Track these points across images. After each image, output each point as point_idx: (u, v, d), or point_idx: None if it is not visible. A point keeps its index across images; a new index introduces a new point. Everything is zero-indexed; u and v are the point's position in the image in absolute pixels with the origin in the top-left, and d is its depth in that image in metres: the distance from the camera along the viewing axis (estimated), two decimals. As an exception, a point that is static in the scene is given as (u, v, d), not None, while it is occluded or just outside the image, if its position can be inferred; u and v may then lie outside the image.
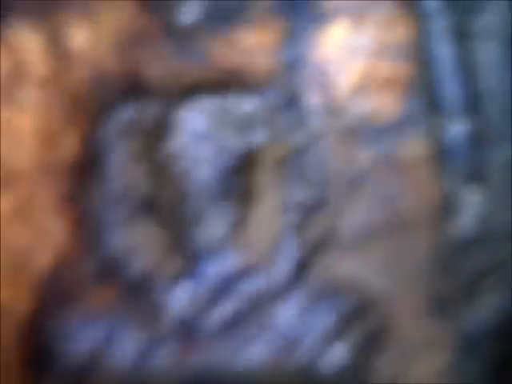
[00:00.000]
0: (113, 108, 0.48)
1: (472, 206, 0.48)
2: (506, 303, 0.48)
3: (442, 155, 0.48)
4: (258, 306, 0.48)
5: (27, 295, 0.49)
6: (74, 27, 0.48)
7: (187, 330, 0.47)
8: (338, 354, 0.47)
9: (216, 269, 0.48)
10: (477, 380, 0.48)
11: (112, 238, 0.48)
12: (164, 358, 0.47)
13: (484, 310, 0.48)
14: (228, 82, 0.48)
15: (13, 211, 0.49)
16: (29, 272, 0.49)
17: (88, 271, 0.48)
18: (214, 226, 0.48)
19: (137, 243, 0.48)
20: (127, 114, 0.48)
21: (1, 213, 0.49)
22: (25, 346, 0.48)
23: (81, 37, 0.48)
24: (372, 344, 0.48)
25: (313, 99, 0.48)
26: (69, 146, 0.49)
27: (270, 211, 0.48)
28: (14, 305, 0.48)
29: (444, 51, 0.48)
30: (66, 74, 0.49)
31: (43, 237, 0.49)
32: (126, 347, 0.47)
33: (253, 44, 0.48)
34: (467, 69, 0.48)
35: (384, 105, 0.48)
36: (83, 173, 0.49)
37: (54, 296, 0.48)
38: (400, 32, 0.48)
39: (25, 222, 0.49)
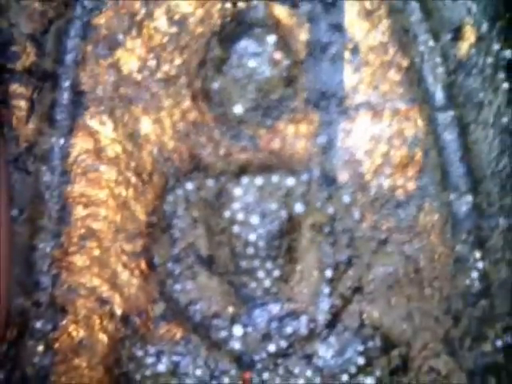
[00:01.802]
0: (175, 182, 0.56)
1: (477, 264, 0.55)
2: (507, 345, 0.55)
3: (451, 223, 0.55)
4: (299, 346, 0.55)
5: (103, 333, 0.56)
6: (141, 116, 0.56)
7: (242, 362, 0.54)
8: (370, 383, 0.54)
9: (264, 314, 0.55)
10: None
11: (176, 287, 0.56)
12: (225, 381, 0.54)
13: (488, 350, 0.54)
14: (272, 163, 0.55)
15: (90, 263, 0.56)
16: (105, 313, 0.56)
17: (157, 314, 0.55)
18: (261, 279, 0.55)
19: (198, 292, 0.55)
20: (188, 187, 0.56)
21: (79, 265, 0.56)
22: (104, 373, 0.55)
23: (147, 123, 0.56)
24: (395, 378, 0.54)
25: (343, 177, 0.56)
26: (139, 211, 0.56)
27: (309, 268, 0.55)
28: (93, 341, 0.56)
29: (450, 138, 0.55)
30: (134, 153, 0.56)
31: (116, 285, 0.56)
32: (194, 373, 0.54)
33: (292, 132, 0.55)
34: (470, 153, 0.55)
35: (402, 182, 0.56)
36: (152, 233, 0.56)
37: (128, 332, 0.55)
38: (414, 123, 0.55)
39: (100, 273, 0.56)
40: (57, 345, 0.56)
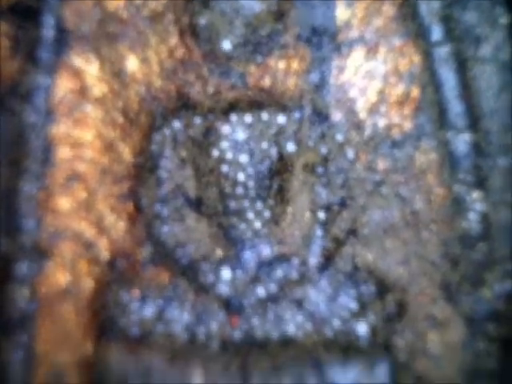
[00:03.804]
0: (163, 121, 0.54)
1: (476, 206, 0.53)
2: (507, 291, 0.53)
3: (449, 163, 0.53)
4: (289, 290, 0.53)
5: (88, 277, 0.55)
6: (127, 54, 0.55)
7: (231, 306, 0.53)
8: (361, 330, 0.52)
9: (254, 256, 0.54)
10: (482, 356, 0.52)
11: (164, 229, 0.54)
12: (213, 325, 0.53)
13: (487, 296, 0.53)
14: (263, 101, 0.54)
15: (76, 206, 0.55)
16: (90, 257, 0.55)
17: (144, 257, 0.54)
18: (251, 220, 0.54)
19: (186, 234, 0.54)
20: (176, 126, 0.54)
21: (64, 208, 0.55)
22: (90, 319, 0.54)
23: (134, 62, 0.55)
24: (390, 322, 0.52)
25: (336, 115, 0.54)
26: (125, 152, 0.55)
27: (301, 209, 0.54)
28: (79, 286, 0.54)
29: (447, 74, 0.53)
30: (120, 92, 0.55)
31: (102, 228, 0.55)
32: (180, 318, 0.53)
33: (283, 69, 0.54)
34: (469, 90, 0.53)
35: (398, 121, 0.54)
36: (139, 175, 0.55)
37: (113, 276, 0.54)
38: (410, 59, 0.54)
39: (86, 217, 0.55)
40: (41, 289, 0.54)
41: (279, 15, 0.53)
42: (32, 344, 0.54)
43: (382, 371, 0.52)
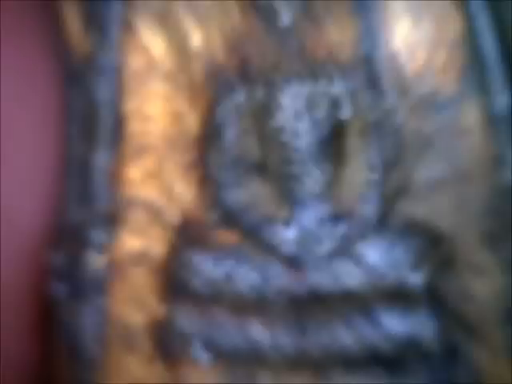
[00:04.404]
0: (226, 93, 0.57)
1: None
2: None
3: (491, 123, 0.57)
4: (348, 246, 0.57)
5: (160, 242, 0.58)
6: (191, 28, 0.57)
7: (295, 263, 0.57)
8: (415, 279, 0.57)
9: (315, 216, 0.58)
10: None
11: (230, 194, 0.58)
12: (278, 282, 0.57)
13: None
14: (318, 70, 0.57)
15: (146, 176, 0.58)
16: (161, 224, 0.58)
17: (211, 221, 0.58)
18: (311, 183, 0.57)
19: (250, 198, 0.58)
20: (238, 97, 0.57)
21: (135, 178, 0.58)
22: (161, 282, 0.58)
23: (197, 36, 0.57)
24: (442, 270, 0.57)
25: (387, 82, 0.57)
26: (191, 124, 0.58)
27: (357, 170, 0.57)
28: (151, 251, 0.58)
29: (488, 41, 0.57)
30: (186, 68, 0.58)
31: (172, 196, 0.58)
32: (248, 277, 0.57)
33: (338, 39, 0.57)
34: (507, 53, 0.57)
35: (443, 85, 0.58)
36: (204, 144, 0.58)
37: (184, 240, 0.58)
38: (452, 27, 0.57)
39: (156, 185, 0.58)
40: (115, 254, 0.58)
41: (333, -10, 0.56)
42: (106, 307, 0.58)
43: (431, 318, 0.56)
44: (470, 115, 0.58)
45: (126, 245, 0.58)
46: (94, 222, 0.58)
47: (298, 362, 0.57)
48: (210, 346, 0.57)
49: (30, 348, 0.59)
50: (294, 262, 0.57)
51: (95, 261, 0.58)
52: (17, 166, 0.58)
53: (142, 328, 0.58)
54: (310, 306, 0.57)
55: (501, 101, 0.57)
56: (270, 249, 0.57)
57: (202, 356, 0.57)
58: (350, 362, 0.57)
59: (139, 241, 0.58)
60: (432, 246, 0.57)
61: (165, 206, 0.58)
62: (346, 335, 0.56)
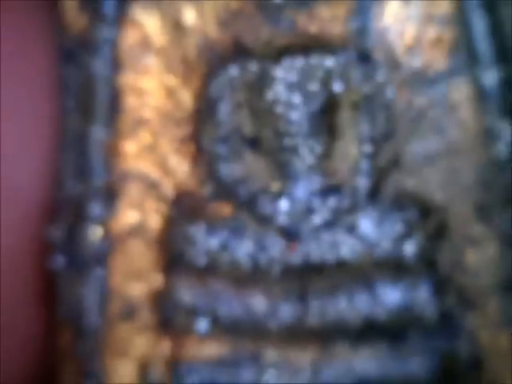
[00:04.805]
0: (219, 68, 0.58)
1: (506, 134, 0.58)
2: None
3: (481, 97, 0.58)
4: (341, 217, 0.58)
5: (156, 215, 0.59)
6: (184, 5, 0.58)
7: (289, 234, 0.58)
8: (409, 249, 0.58)
9: (308, 188, 0.58)
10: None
11: (224, 167, 0.59)
12: (273, 252, 0.58)
13: None
14: (311, 45, 0.58)
15: (142, 149, 0.59)
16: (157, 196, 0.59)
17: (206, 194, 0.59)
18: (304, 155, 0.58)
19: (244, 171, 0.59)
20: (232, 72, 0.58)
21: (131, 151, 0.59)
22: (159, 253, 0.59)
23: (190, 12, 0.58)
24: (433, 242, 0.58)
25: (377, 57, 0.58)
26: (186, 98, 0.59)
27: (348, 144, 0.58)
28: (147, 223, 0.59)
29: (478, 17, 0.58)
30: (179, 43, 0.58)
31: (167, 169, 0.59)
32: (243, 247, 0.58)
33: (329, 15, 0.58)
34: (496, 29, 0.58)
35: (433, 60, 0.58)
36: (198, 119, 0.59)
37: (179, 213, 0.59)
38: (442, 3, 0.58)
39: (151, 159, 0.59)
40: (113, 227, 0.59)
41: (323, -33, 0.57)
42: (106, 278, 0.59)
43: (426, 288, 0.57)
44: (461, 90, 0.58)
45: (124, 217, 0.59)
46: (91, 195, 0.59)
47: (299, 332, 0.58)
48: (211, 316, 0.58)
49: (34, 319, 0.60)
50: (288, 233, 0.58)
51: (94, 234, 0.59)
52: (14, 140, 0.59)
53: (143, 299, 0.59)
54: (307, 275, 0.58)
55: (490, 76, 0.58)
56: (264, 220, 0.58)
57: (203, 326, 0.58)
58: (349, 332, 0.58)
59: (136, 213, 0.59)
60: (424, 216, 0.58)
61: (160, 179, 0.59)
62: (344, 304, 0.57)
